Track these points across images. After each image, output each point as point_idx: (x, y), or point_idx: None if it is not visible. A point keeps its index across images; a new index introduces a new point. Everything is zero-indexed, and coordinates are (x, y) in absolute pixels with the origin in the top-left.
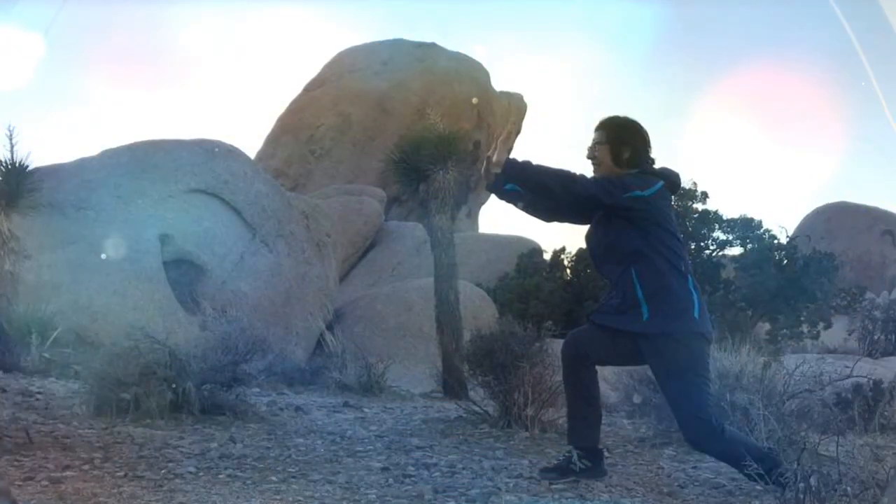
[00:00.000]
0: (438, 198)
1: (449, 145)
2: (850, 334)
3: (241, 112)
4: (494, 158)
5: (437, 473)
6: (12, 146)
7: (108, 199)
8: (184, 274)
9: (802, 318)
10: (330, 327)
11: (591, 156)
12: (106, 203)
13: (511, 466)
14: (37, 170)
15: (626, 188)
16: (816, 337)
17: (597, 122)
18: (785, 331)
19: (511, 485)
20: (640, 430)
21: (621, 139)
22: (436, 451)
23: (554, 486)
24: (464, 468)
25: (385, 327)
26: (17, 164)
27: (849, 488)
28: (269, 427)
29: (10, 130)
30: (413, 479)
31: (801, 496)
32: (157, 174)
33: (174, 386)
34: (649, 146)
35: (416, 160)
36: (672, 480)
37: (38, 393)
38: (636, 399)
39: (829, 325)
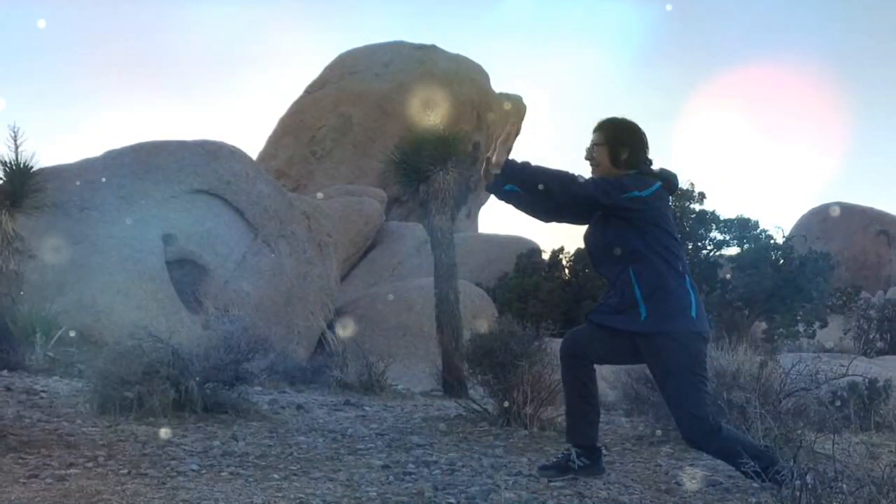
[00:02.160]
0: (438, 198)
1: (449, 146)
2: (845, 333)
3: (243, 113)
4: (494, 159)
5: (437, 471)
6: (17, 147)
7: (112, 199)
8: (187, 274)
9: (798, 318)
10: (331, 326)
11: (590, 157)
12: (109, 203)
13: (510, 464)
14: (41, 170)
15: (623, 189)
16: (812, 336)
17: (595, 124)
18: (781, 330)
19: (510, 482)
20: (638, 429)
21: (619, 140)
22: (436, 448)
23: (552, 484)
24: (463, 466)
25: (385, 326)
26: (21, 165)
27: (845, 486)
28: (271, 425)
29: (14, 131)
30: (413, 476)
31: (798, 494)
32: (160, 175)
33: (177, 384)
34: (647, 147)
35: (416, 161)
36: (669, 478)
37: (43, 391)
38: None
39: (824, 325)
